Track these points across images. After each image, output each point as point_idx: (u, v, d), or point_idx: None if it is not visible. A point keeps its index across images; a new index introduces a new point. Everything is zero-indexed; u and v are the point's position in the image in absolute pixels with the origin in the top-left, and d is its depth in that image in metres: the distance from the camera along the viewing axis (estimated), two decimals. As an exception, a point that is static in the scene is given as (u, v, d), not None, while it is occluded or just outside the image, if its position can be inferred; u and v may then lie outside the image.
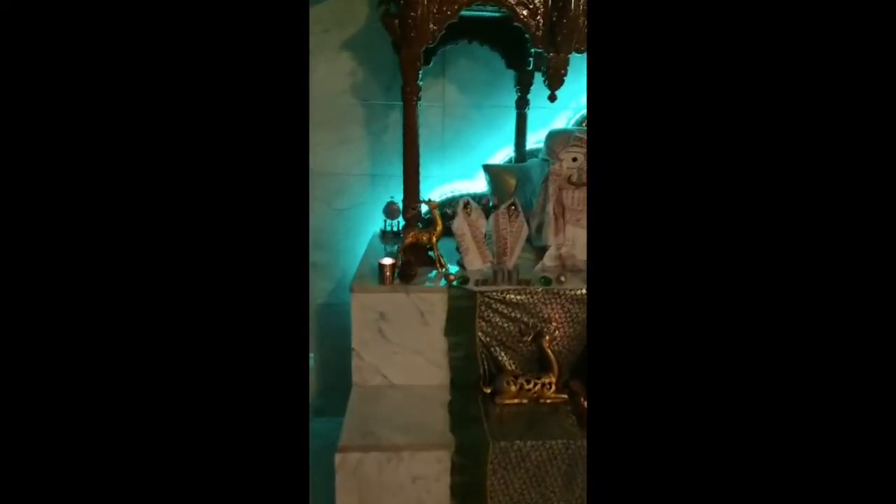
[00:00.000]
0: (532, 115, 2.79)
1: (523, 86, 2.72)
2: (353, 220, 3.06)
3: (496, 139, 2.91)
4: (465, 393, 2.00)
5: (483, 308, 2.00)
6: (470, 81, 2.86)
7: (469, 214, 2.21)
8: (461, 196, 2.70)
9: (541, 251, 2.29)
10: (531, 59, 2.59)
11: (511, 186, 2.62)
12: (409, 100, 2.18)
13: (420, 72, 2.18)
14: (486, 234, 2.24)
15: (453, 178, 2.94)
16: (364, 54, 2.85)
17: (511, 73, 2.71)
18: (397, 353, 2.05)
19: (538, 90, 2.63)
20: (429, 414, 1.91)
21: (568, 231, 2.24)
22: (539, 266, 2.23)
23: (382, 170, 3.00)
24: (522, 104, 2.76)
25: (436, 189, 2.89)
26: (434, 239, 2.14)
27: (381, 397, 2.00)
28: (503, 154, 2.92)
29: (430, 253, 2.23)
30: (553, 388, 1.97)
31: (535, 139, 2.81)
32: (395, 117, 2.86)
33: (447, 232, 2.20)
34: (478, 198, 2.51)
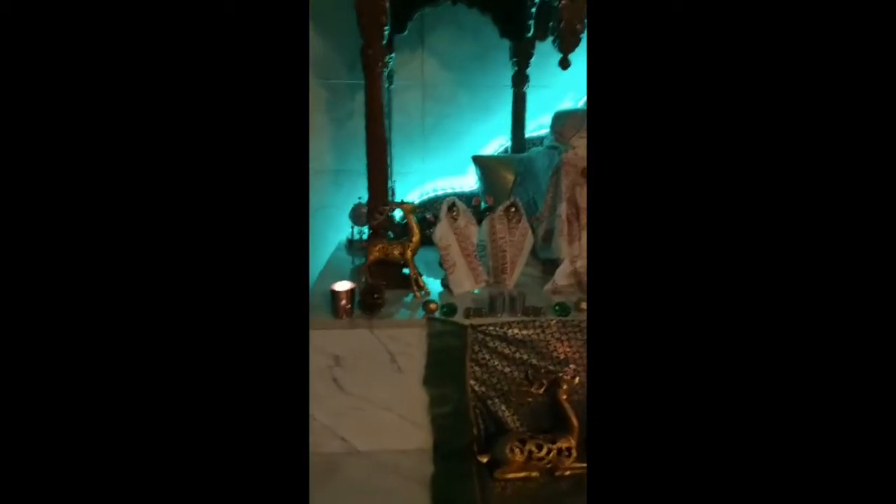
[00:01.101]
0: (532, 95, 2.55)
1: (521, 58, 2.47)
2: (313, 226, 2.60)
3: (489, 125, 2.67)
4: (454, 463, 1.64)
5: (477, 347, 1.65)
6: (455, 55, 2.58)
7: (455, 219, 1.88)
8: (447, 195, 2.42)
9: (550, 266, 1.98)
10: (531, 22, 2.21)
11: (508, 182, 2.37)
12: (372, 67, 1.72)
13: (386, 29, 1.71)
14: (478, 245, 1.94)
15: (437, 174, 2.69)
16: (322, 24, 2.48)
17: (506, 44, 2.47)
18: (360, 409, 1.67)
19: (540, 63, 2.40)
20: (403, 498, 1.53)
21: (585, 239, 1.91)
22: (549, 286, 1.90)
23: (348, 164, 2.60)
24: (520, 81, 2.51)
25: (416, 188, 2.70)
26: (409, 253, 1.80)
27: (339, 472, 1.61)
28: (497, 143, 2.70)
29: (406, 271, 1.85)
30: (573, 454, 1.60)
31: (537, 125, 2.61)
32: (363, 100, 2.39)
33: (427, 243, 1.89)
34: (467, 198, 2.27)
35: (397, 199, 2.42)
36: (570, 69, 1.82)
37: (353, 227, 2.37)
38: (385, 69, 1.76)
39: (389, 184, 2.43)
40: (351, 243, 2.38)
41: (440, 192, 2.58)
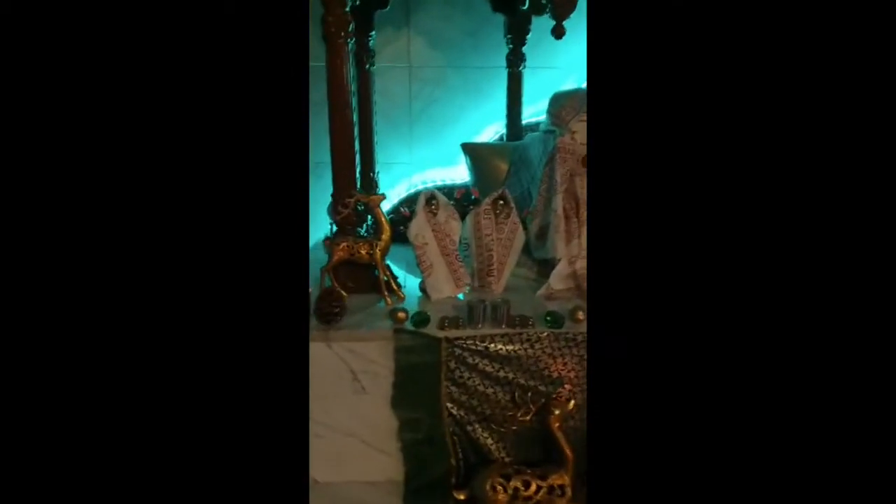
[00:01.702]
0: (531, 77, 2.38)
1: (517, 35, 2.30)
2: (288, 223, 2.47)
3: (482, 111, 2.52)
4: (427, 498, 1.55)
5: (453, 364, 1.51)
6: (444, 32, 2.44)
7: (434, 214, 1.71)
8: (437, 188, 2.29)
9: (545, 267, 1.84)
10: (528, -8, 2.09)
11: (502, 173, 2.22)
12: (334, 38, 1.55)
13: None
14: (461, 244, 1.80)
15: (426, 165, 2.54)
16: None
17: (500, 19, 2.33)
18: (318, 435, 1.56)
19: (538, 40, 2.23)
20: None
21: (585, 236, 1.75)
22: (544, 291, 1.75)
23: (328, 155, 2.37)
24: (516, 61, 2.34)
25: (403, 180, 2.55)
26: (378, 252, 1.64)
27: (293, 509, 1.40)
28: (492, 131, 2.55)
29: (377, 273, 1.69)
30: (567, 493, 1.46)
31: (535, 110, 2.44)
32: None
33: (402, 240, 1.74)
34: (453, 190, 2.13)
35: (381, 192, 2.24)
36: (572, 47, 1.68)
37: (331, 224, 2.15)
38: (350, 40, 1.57)
39: (371, 175, 2.27)
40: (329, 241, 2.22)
41: (430, 185, 2.42)
